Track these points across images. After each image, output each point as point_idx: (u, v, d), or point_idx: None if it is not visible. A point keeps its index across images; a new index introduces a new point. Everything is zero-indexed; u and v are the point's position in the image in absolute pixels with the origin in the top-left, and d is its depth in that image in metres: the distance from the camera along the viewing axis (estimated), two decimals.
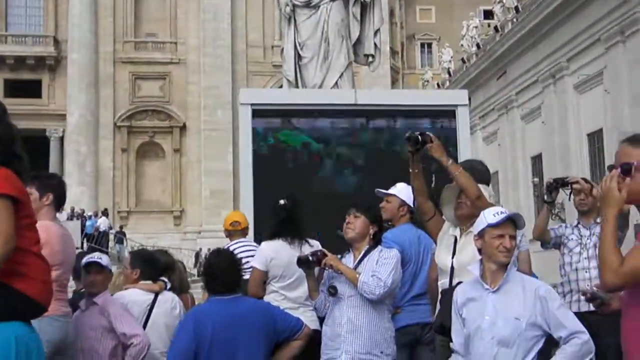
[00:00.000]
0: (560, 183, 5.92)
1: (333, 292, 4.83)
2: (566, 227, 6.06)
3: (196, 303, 6.51)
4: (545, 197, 5.99)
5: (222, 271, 4.63)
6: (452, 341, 4.16)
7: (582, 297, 5.60)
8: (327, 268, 4.90)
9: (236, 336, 4.50)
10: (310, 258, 4.87)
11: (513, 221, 4.00)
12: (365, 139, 7.67)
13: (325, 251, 4.95)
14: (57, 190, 4.94)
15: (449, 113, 7.72)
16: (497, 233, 3.96)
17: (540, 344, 3.89)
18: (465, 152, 7.48)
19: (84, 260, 5.20)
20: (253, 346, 4.54)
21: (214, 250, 4.98)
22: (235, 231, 6.90)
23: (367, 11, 8.59)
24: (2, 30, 48.16)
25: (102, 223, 34.30)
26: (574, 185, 5.87)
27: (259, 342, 4.57)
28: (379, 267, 4.81)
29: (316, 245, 5.56)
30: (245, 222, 6.95)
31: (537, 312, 3.86)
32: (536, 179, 29.56)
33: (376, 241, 5.02)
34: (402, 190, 5.78)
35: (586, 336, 3.82)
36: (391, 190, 5.86)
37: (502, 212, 4.01)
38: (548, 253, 6.55)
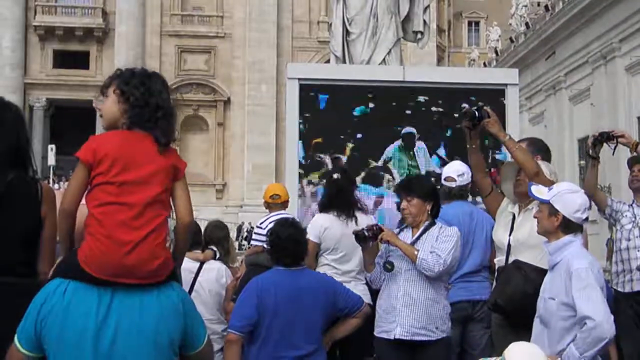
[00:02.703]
0: (606, 137, 5.75)
1: (390, 267, 4.75)
2: (623, 204, 5.96)
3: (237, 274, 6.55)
4: (590, 151, 5.85)
5: (288, 242, 4.58)
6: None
7: (635, 277, 5.53)
8: (383, 243, 4.83)
9: (297, 308, 4.47)
10: (366, 233, 4.78)
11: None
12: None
13: (382, 226, 4.86)
14: None
15: (498, 92, 7.59)
16: None
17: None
18: (513, 133, 7.30)
19: None
20: (312, 319, 4.51)
21: (280, 220, 4.92)
22: (275, 204, 6.92)
23: None
24: (52, 1, 48.78)
25: None
26: (620, 140, 5.72)
27: (318, 315, 4.54)
28: (439, 244, 4.72)
29: (369, 220, 5.44)
30: (285, 196, 6.93)
31: (568, 291, 3.66)
32: (583, 162, 29.04)
33: (434, 214, 4.93)
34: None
35: (594, 322, 3.49)
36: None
37: (550, 189, 3.97)
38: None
